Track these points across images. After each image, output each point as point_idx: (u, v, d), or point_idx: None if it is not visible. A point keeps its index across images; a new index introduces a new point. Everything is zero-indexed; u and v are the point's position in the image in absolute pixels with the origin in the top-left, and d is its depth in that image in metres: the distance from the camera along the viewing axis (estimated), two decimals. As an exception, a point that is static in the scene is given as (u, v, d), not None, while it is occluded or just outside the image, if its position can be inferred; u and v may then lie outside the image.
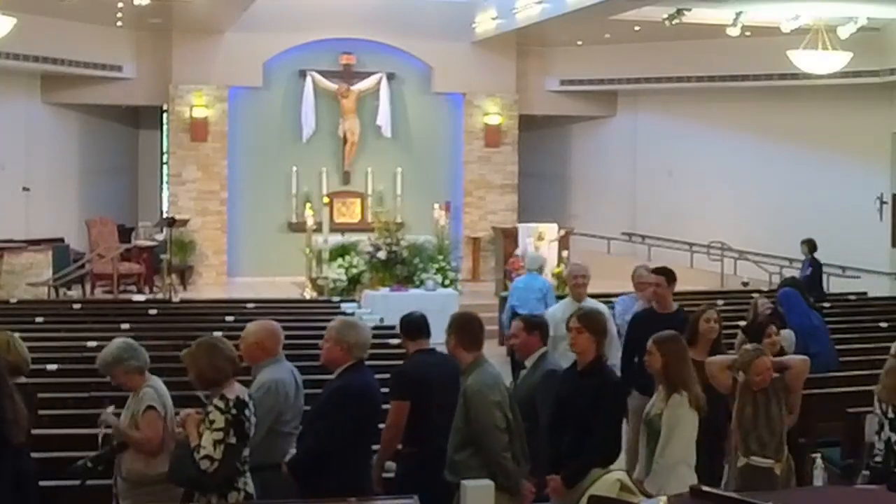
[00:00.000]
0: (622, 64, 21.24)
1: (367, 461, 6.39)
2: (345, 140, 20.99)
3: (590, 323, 6.28)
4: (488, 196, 21.69)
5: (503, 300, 15.09)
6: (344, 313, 12.51)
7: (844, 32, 16.52)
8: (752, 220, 20.71)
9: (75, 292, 17.74)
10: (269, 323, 6.54)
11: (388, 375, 7.05)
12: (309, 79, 20.85)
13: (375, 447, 6.56)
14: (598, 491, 5.76)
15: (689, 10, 17.12)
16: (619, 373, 7.95)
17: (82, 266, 17.89)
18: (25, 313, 13.16)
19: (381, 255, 17.31)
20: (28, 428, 6.01)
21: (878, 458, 6.64)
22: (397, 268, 17.31)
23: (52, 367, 9.40)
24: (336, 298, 16.23)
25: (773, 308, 9.75)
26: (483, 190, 21.68)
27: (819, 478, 6.63)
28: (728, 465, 6.78)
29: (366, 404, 6.19)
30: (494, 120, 21.65)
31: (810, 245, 16.33)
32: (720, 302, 14.28)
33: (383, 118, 21.04)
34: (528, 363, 6.78)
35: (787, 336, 8.95)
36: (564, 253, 17.74)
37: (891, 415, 6.58)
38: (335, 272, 17.37)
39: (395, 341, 9.38)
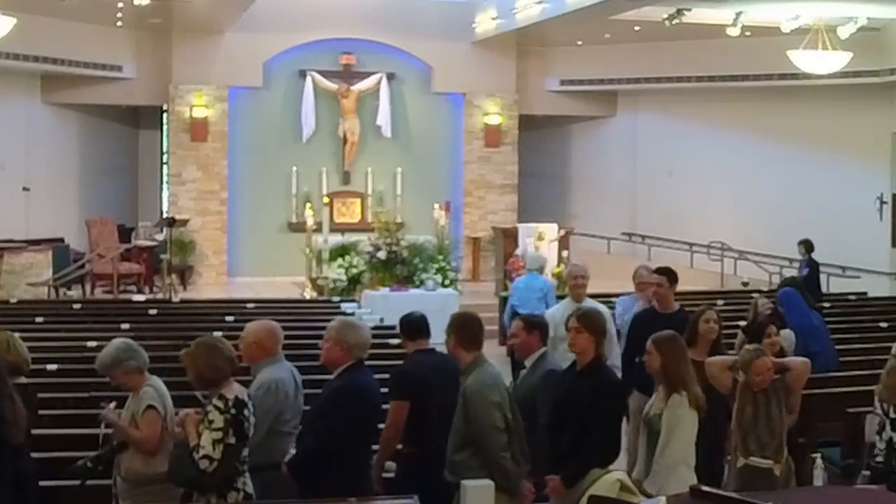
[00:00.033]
0: (622, 64, 21.24)
1: (367, 461, 6.39)
2: (345, 140, 20.99)
3: (589, 323, 6.28)
4: (488, 196, 21.69)
5: (503, 300, 15.10)
6: (344, 313, 12.51)
7: (844, 32, 16.52)
8: (752, 220, 20.71)
9: (75, 292, 17.74)
10: (269, 323, 6.53)
11: (387, 375, 7.05)
12: (309, 79, 20.85)
13: (375, 447, 6.56)
14: (598, 491, 5.75)
15: (689, 10, 17.12)
16: (618, 373, 7.96)
17: (82, 266, 17.89)
18: (25, 313, 13.16)
19: (381, 255, 17.31)
20: (28, 428, 6.01)
21: (879, 459, 6.63)
22: (397, 268, 17.31)
23: (52, 367, 9.40)
24: (336, 298, 16.23)
25: (773, 308, 9.75)
26: (483, 190, 21.68)
27: (819, 478, 6.63)
28: (728, 466, 6.77)
29: (365, 404, 6.19)
30: (494, 120, 21.65)
31: (807, 245, 16.34)
32: (720, 302, 14.29)
33: (383, 118, 21.04)
34: (528, 363, 6.78)
35: (787, 336, 8.95)
36: (564, 253, 17.75)
37: (892, 415, 6.58)
38: (335, 272, 17.37)
39: (395, 341, 9.37)
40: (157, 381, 6.15)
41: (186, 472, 5.46)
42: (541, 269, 12.84)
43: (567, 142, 23.58)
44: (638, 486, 5.99)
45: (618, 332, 9.48)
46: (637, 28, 18.76)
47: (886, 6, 16.33)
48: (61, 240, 18.98)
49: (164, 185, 21.89)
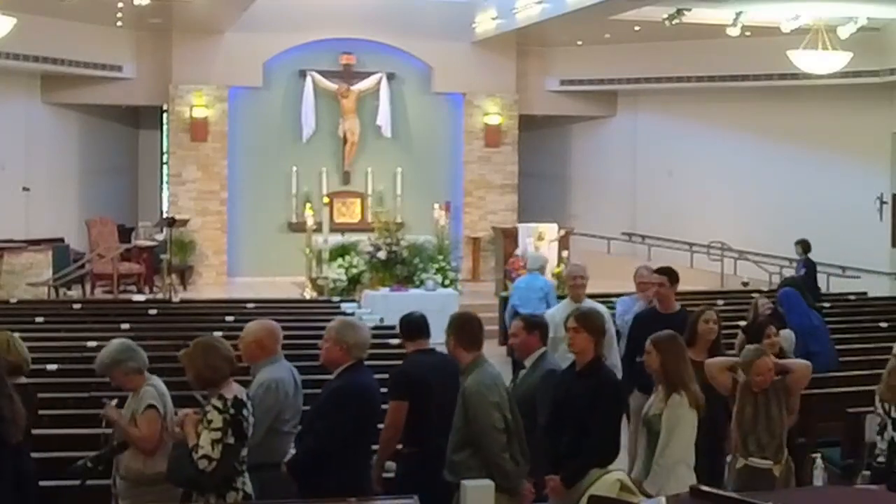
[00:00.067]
0: (622, 64, 21.24)
1: (367, 461, 6.39)
2: (345, 140, 20.99)
3: (587, 322, 6.27)
4: (488, 196, 21.69)
5: (503, 300, 15.10)
6: (344, 313, 12.51)
7: (844, 32, 16.52)
8: (752, 220, 20.71)
9: (75, 292, 17.74)
10: (268, 322, 6.54)
11: (387, 375, 7.05)
12: (309, 79, 20.85)
13: (375, 447, 6.56)
14: (598, 491, 5.75)
15: (689, 10, 17.12)
16: (618, 373, 7.95)
17: (82, 266, 17.89)
18: (25, 313, 13.16)
19: (381, 255, 17.31)
20: (28, 428, 6.02)
21: (880, 459, 6.62)
22: (397, 268, 17.30)
23: (52, 367, 9.40)
24: (336, 298, 16.23)
25: (773, 308, 9.75)
26: (483, 190, 21.68)
27: (819, 478, 6.62)
28: (728, 466, 6.77)
29: (365, 404, 6.19)
30: (494, 120, 21.65)
31: (804, 245, 16.35)
32: (720, 302, 14.29)
33: (383, 118, 21.04)
34: (528, 363, 6.77)
35: (787, 336, 8.95)
36: (564, 253, 17.74)
37: (893, 414, 6.56)
38: (335, 272, 17.37)
39: (395, 341, 9.38)
40: (158, 381, 6.15)
41: (185, 471, 5.46)
42: (542, 269, 12.84)
43: (567, 142, 23.58)
44: (638, 486, 5.99)
45: (618, 332, 9.48)
46: (637, 28, 18.76)
47: (886, 6, 16.33)
48: (61, 240, 18.98)
49: (164, 185, 21.89)
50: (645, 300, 9.37)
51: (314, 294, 17.44)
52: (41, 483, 6.21)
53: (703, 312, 7.71)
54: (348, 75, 20.99)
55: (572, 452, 6.03)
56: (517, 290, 12.43)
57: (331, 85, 20.90)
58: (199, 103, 20.42)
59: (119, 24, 19.41)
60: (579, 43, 21.33)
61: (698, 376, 6.54)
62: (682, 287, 9.26)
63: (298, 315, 13.33)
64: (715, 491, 4.78)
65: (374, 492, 6.27)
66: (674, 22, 17.25)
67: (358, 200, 21.16)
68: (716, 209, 21.22)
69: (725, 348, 7.86)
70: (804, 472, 7.02)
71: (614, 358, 8.55)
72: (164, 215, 20.57)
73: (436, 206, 18.77)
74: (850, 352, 11.09)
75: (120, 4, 17.49)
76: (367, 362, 6.40)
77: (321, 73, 20.89)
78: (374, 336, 7.02)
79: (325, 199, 19.37)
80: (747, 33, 17.57)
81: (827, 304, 14.58)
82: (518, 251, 17.09)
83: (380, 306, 15.26)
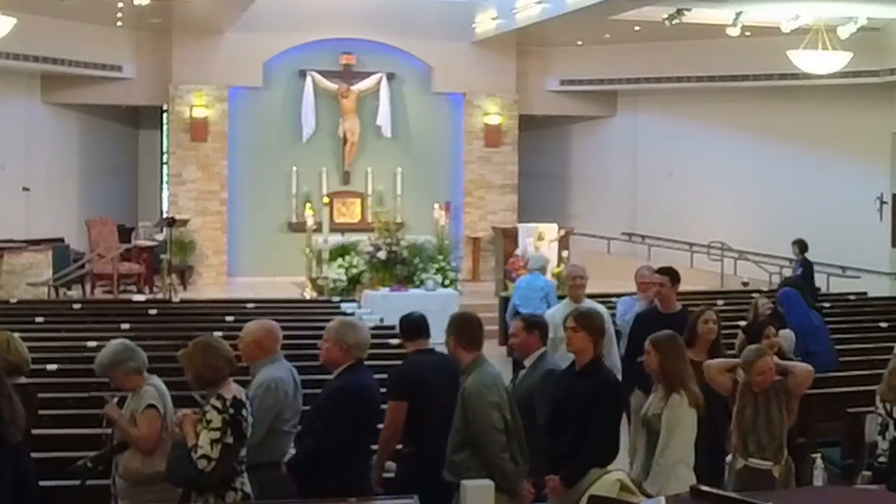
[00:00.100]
0: (622, 64, 21.24)
1: (367, 461, 6.39)
2: (345, 140, 20.99)
3: (586, 322, 6.27)
4: (488, 196, 21.69)
5: (503, 300, 15.10)
6: (344, 313, 12.52)
7: (844, 32, 16.52)
8: (752, 220, 20.71)
9: (75, 292, 17.74)
10: (268, 322, 6.54)
11: (387, 376, 7.05)
12: (309, 79, 20.85)
13: (375, 447, 6.56)
14: (599, 491, 5.75)
15: (689, 10, 17.12)
16: (617, 373, 7.95)
17: (82, 266, 17.89)
18: (25, 313, 13.16)
19: (381, 255, 17.31)
20: (28, 428, 6.02)
21: (882, 459, 6.61)
22: (397, 268, 17.31)
23: (52, 367, 9.40)
24: (336, 298, 16.23)
25: (774, 308, 9.75)
26: (483, 190, 21.68)
27: (819, 478, 6.62)
28: (728, 467, 6.76)
29: (365, 404, 6.19)
30: (494, 120, 21.65)
31: (801, 245, 16.35)
32: (720, 302, 14.29)
33: (383, 118, 21.04)
34: (528, 363, 6.78)
35: (787, 336, 8.95)
36: (564, 253, 17.74)
37: (895, 414, 6.56)
38: (335, 272, 17.37)
39: (395, 341, 9.38)
40: (158, 381, 6.14)
41: (184, 471, 5.46)
42: (543, 269, 12.84)
43: (567, 142, 23.58)
44: (637, 485, 5.99)
45: (619, 332, 9.49)
46: (637, 28, 18.76)
47: (886, 6, 16.33)
48: (61, 240, 18.98)
49: (164, 185, 21.89)
50: (646, 300, 9.36)
51: (314, 294, 17.44)
52: (41, 483, 6.21)
53: (702, 313, 7.70)
54: (348, 75, 20.99)
55: (572, 452, 6.03)
56: (518, 289, 12.44)
57: (331, 85, 20.90)
58: (199, 103, 20.42)
59: (119, 24, 19.41)
60: (579, 43, 21.33)
61: (698, 377, 6.53)
62: (682, 287, 9.25)
63: (298, 315, 13.33)
64: (715, 491, 4.79)
65: (374, 492, 6.27)
66: (674, 22, 17.25)
67: (358, 200, 21.16)
68: (716, 209, 21.22)
69: (725, 348, 7.84)
70: (804, 472, 7.02)
71: (614, 358, 8.55)
72: (164, 215, 20.57)
73: (436, 206, 18.77)
74: (850, 352, 11.09)
75: (120, 4, 17.49)
76: (367, 362, 6.40)
77: (321, 73, 20.89)
78: (374, 336, 7.01)
79: (325, 199, 19.37)
80: (747, 33, 17.57)
81: (827, 304, 14.58)
82: (518, 251, 17.09)
83: (380, 306, 15.26)
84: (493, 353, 9.74)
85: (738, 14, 16.80)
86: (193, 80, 20.43)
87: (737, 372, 6.65)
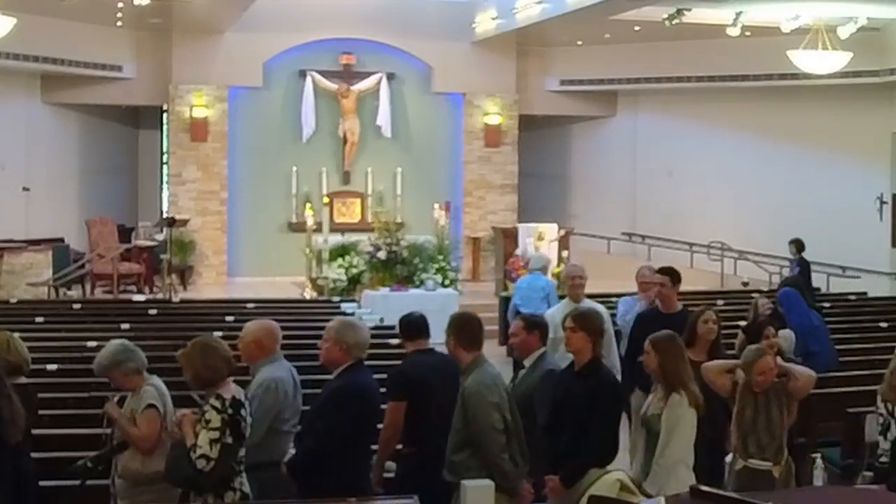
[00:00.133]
0: (622, 64, 21.24)
1: (367, 461, 6.39)
2: (345, 140, 20.99)
3: (584, 322, 6.27)
4: (488, 196, 21.69)
5: (503, 300, 15.10)
6: (344, 313, 12.52)
7: (844, 32, 16.52)
8: (752, 220, 20.70)
9: (75, 292, 17.74)
10: (267, 322, 6.54)
11: (387, 376, 7.04)
12: (309, 79, 20.85)
13: (375, 447, 6.56)
14: (599, 491, 5.75)
15: (689, 10, 17.12)
16: (617, 373, 7.95)
17: (82, 266, 17.89)
18: (25, 313, 13.17)
19: (381, 255, 17.31)
20: (28, 428, 6.02)
21: (883, 459, 6.61)
22: (397, 268, 17.30)
23: (52, 367, 9.41)
24: (336, 298, 16.23)
25: (774, 308, 9.75)
26: (483, 190, 21.68)
27: (819, 478, 6.62)
28: (728, 467, 6.75)
29: (365, 404, 6.19)
30: (494, 120, 21.65)
31: (798, 245, 16.36)
32: (720, 302, 14.29)
33: (383, 118, 21.04)
34: (527, 363, 6.77)
35: (787, 336, 8.95)
36: (564, 253, 17.73)
37: (898, 414, 6.56)
38: (335, 272, 17.37)
39: (395, 341, 9.38)
40: (158, 381, 6.14)
41: (183, 471, 5.46)
42: (544, 269, 12.83)
43: (567, 142, 23.58)
44: (637, 486, 5.99)
45: (620, 332, 9.49)
46: (637, 28, 18.76)
47: (886, 6, 16.32)
48: (61, 240, 18.98)
49: (164, 185, 21.89)
50: (647, 300, 9.35)
51: (314, 294, 17.44)
52: (41, 483, 6.21)
53: (702, 313, 7.69)
54: (348, 75, 20.99)
55: (571, 452, 6.02)
56: (519, 289, 12.43)
57: (331, 85, 20.90)
58: (199, 103, 20.42)
59: (119, 24, 19.41)
60: (579, 43, 21.33)
61: (697, 377, 6.53)
62: (682, 287, 9.25)
63: (298, 315, 13.34)
64: (715, 491, 4.79)
65: (374, 492, 6.27)
66: (674, 22, 17.25)
67: (358, 200, 21.16)
68: (716, 209, 21.22)
69: (725, 348, 7.84)
70: (804, 472, 7.02)
71: (613, 358, 8.55)
72: (164, 215, 20.57)
73: (436, 206, 18.77)
74: (850, 352, 11.10)
75: (120, 4, 17.49)
76: (367, 362, 6.40)
77: (321, 73, 20.89)
78: (374, 336, 7.01)
79: (325, 199, 19.37)
80: (747, 33, 17.56)
81: (827, 304, 14.58)
82: (518, 251, 17.08)
83: (380, 306, 15.26)
84: (493, 353, 9.74)
85: (738, 14, 16.80)
86: (193, 80, 20.43)
87: (735, 373, 6.64)
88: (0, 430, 5.69)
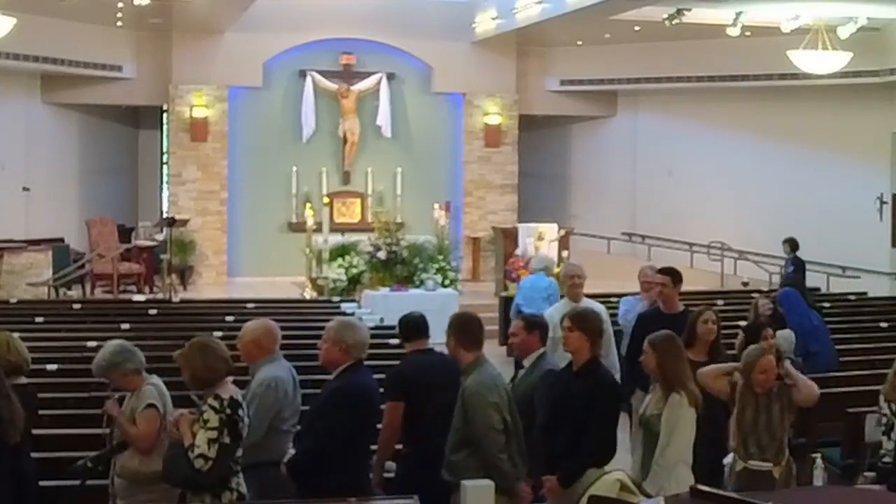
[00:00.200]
0: (622, 64, 21.24)
1: (367, 461, 6.39)
2: (345, 140, 20.99)
3: (581, 322, 6.26)
4: (488, 196, 21.68)
5: (503, 300, 15.10)
6: (344, 313, 12.52)
7: (844, 32, 16.52)
8: (752, 220, 20.70)
9: (75, 292, 17.74)
10: (266, 321, 6.54)
11: (385, 376, 7.04)
12: (309, 79, 20.85)
13: (375, 447, 6.56)
14: (598, 491, 5.75)
15: (689, 10, 17.11)
16: (616, 373, 7.94)
17: (82, 266, 17.89)
18: (25, 313, 13.16)
19: (381, 255, 17.30)
20: (28, 428, 6.01)
21: (886, 459, 6.60)
22: (397, 268, 17.30)
23: (52, 367, 9.41)
24: (336, 298, 16.23)
25: (774, 308, 9.75)
26: (483, 190, 21.68)
27: (819, 478, 6.61)
28: (728, 468, 6.74)
29: (365, 404, 6.19)
30: (494, 120, 21.65)
31: (792, 244, 16.36)
32: (720, 302, 14.30)
33: (383, 118, 21.04)
34: (527, 363, 6.77)
35: (787, 336, 8.96)
36: (564, 253, 17.70)
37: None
38: (335, 272, 17.36)
39: (395, 341, 9.37)
40: (158, 381, 6.13)
41: (181, 471, 5.46)
42: (546, 270, 12.82)
43: (567, 142, 23.57)
44: (637, 486, 5.98)
45: (622, 331, 9.48)
46: (637, 28, 18.76)
47: (886, 6, 16.32)
48: (61, 240, 18.98)
49: (164, 185, 21.89)
50: (648, 300, 9.34)
51: (314, 294, 17.44)
52: (41, 483, 6.21)
53: (702, 313, 7.66)
54: (348, 75, 20.99)
55: (569, 453, 6.02)
56: (521, 289, 12.41)
57: (331, 85, 20.90)
58: (199, 103, 20.42)
59: (119, 24, 19.41)
60: (579, 43, 21.33)
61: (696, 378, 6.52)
62: (682, 287, 9.23)
63: (298, 315, 13.34)
64: (715, 491, 4.79)
65: (373, 492, 6.26)
66: (674, 22, 17.25)
67: (358, 200, 21.16)
68: (716, 209, 21.22)
69: (725, 349, 7.83)
70: (804, 472, 7.01)
71: (612, 358, 8.54)
72: (164, 215, 20.57)
73: (436, 206, 18.77)
74: (850, 352, 11.09)
75: (120, 4, 17.49)
76: (366, 362, 6.40)
77: (321, 73, 20.89)
78: (374, 336, 7.01)
79: (325, 199, 19.37)
80: (747, 33, 17.56)
81: (827, 304, 14.58)
82: (518, 251, 17.07)
83: (380, 306, 15.26)
84: (493, 353, 9.73)
85: (738, 14, 16.80)
86: (193, 80, 20.43)
87: (733, 375, 6.61)
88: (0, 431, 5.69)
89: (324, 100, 20.97)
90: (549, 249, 16.99)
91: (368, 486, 6.26)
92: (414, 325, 6.90)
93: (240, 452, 5.61)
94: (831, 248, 18.16)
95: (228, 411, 5.49)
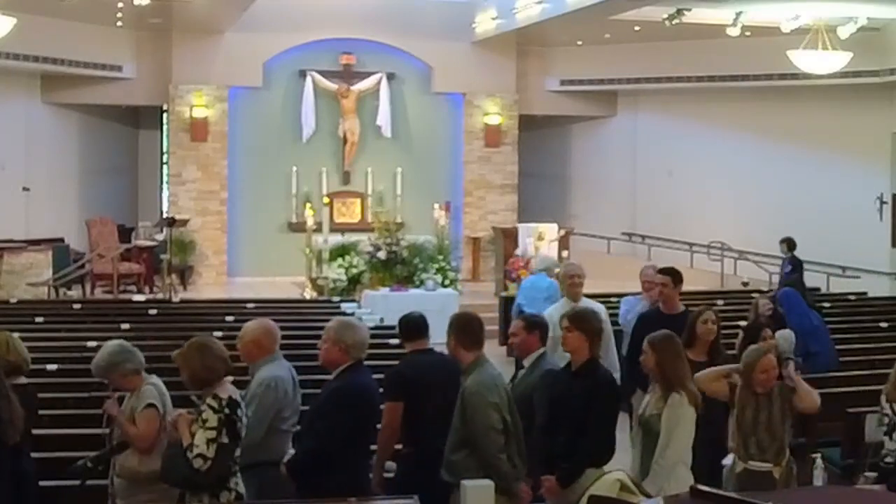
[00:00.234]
0: (622, 64, 21.24)
1: (366, 461, 6.39)
2: (345, 140, 20.99)
3: (580, 322, 6.25)
4: (488, 196, 21.69)
5: (503, 300, 15.10)
6: (344, 313, 12.52)
7: (844, 32, 16.52)
8: (752, 220, 20.70)
9: (75, 292, 17.75)
10: (266, 321, 6.54)
11: (384, 376, 7.04)
12: (309, 79, 20.85)
13: (374, 447, 6.56)
14: (598, 491, 5.74)
15: (689, 10, 17.11)
16: (615, 373, 7.93)
17: (82, 266, 17.89)
18: (25, 313, 13.16)
19: (381, 255, 17.31)
20: (28, 428, 6.01)
21: (888, 459, 6.59)
22: (397, 268, 17.30)
23: (52, 367, 9.41)
24: (336, 298, 16.23)
25: (774, 308, 9.75)
26: (483, 190, 21.68)
27: (819, 478, 6.60)
28: (728, 469, 6.73)
29: (364, 404, 6.19)
30: (494, 120, 21.65)
31: (789, 244, 16.36)
32: (720, 302, 14.30)
33: (383, 118, 21.04)
34: (527, 363, 6.77)
35: (787, 336, 8.93)
36: (564, 253, 17.70)
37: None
38: (335, 272, 17.36)
39: (395, 341, 9.37)
40: (158, 381, 6.13)
41: (180, 471, 5.46)
42: (548, 270, 12.81)
43: (567, 142, 23.57)
44: (637, 485, 5.98)
45: (622, 331, 9.47)
46: (637, 28, 18.76)
47: (886, 6, 16.32)
48: (61, 240, 18.98)
49: (164, 185, 21.89)
50: (649, 300, 9.33)
51: (314, 294, 17.44)
52: (41, 483, 6.21)
53: (701, 313, 7.66)
54: (348, 75, 20.99)
55: (567, 453, 6.02)
56: (523, 290, 12.40)
57: (331, 85, 20.90)
58: (199, 103, 20.42)
59: (119, 24, 19.41)
60: (579, 43, 21.33)
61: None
62: (682, 287, 9.23)
63: (298, 315, 13.34)
64: (715, 491, 4.78)
65: (373, 492, 6.26)
66: (674, 22, 17.25)
67: (358, 200, 21.16)
68: (716, 209, 21.22)
69: (725, 349, 7.83)
70: (804, 472, 7.01)
71: (612, 358, 8.53)
72: (164, 215, 20.57)
73: (436, 206, 18.77)
74: (850, 352, 11.09)
75: (120, 4, 17.49)
76: (366, 362, 6.40)
77: (321, 73, 20.89)
78: (374, 336, 7.01)
79: (325, 199, 19.37)
80: (747, 33, 17.56)
81: (827, 304, 14.59)
82: (518, 251, 17.06)
83: (380, 306, 15.26)
84: (493, 353, 9.73)
85: (738, 14, 16.80)
86: (193, 80, 20.43)
87: (732, 376, 6.61)
88: (-1, 431, 5.70)
89: (324, 100, 20.97)
90: (549, 249, 16.99)
91: (368, 487, 6.26)
92: (414, 326, 6.89)
93: (238, 452, 5.61)
94: (831, 248, 18.16)
95: (227, 411, 5.49)
